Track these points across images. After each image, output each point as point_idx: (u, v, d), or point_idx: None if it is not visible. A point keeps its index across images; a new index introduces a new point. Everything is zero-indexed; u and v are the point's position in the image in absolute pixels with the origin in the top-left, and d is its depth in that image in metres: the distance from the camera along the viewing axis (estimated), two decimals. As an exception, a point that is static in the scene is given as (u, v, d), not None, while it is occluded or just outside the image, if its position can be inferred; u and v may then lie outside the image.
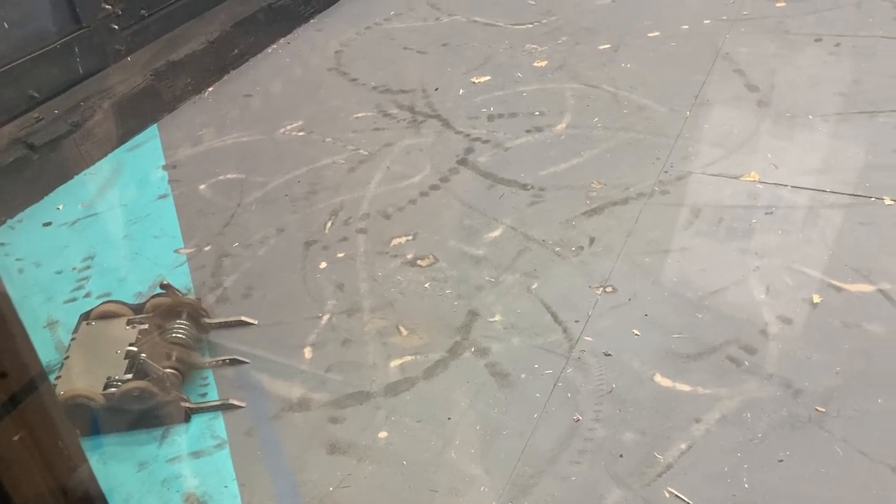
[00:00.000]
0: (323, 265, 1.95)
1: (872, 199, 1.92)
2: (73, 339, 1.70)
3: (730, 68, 2.56)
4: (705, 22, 2.87)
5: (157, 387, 1.56)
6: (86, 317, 1.75)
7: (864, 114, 2.24)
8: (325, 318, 1.79)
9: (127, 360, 1.62)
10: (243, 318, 1.80)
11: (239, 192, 2.26)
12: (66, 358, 1.66)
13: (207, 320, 1.78)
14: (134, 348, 1.60)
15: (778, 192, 1.98)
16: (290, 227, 2.09)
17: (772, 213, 1.91)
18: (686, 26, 2.86)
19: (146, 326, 1.70)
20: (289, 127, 2.56)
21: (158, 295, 1.75)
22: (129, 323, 1.72)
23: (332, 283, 1.89)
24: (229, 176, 2.34)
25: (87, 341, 1.69)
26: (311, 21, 3.30)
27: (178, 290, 1.76)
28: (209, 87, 2.85)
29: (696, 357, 1.58)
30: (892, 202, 1.90)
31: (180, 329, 1.68)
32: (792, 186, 2.00)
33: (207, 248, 2.05)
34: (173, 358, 1.63)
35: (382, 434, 1.51)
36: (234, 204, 2.21)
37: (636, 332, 1.65)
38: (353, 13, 3.34)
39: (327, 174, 2.30)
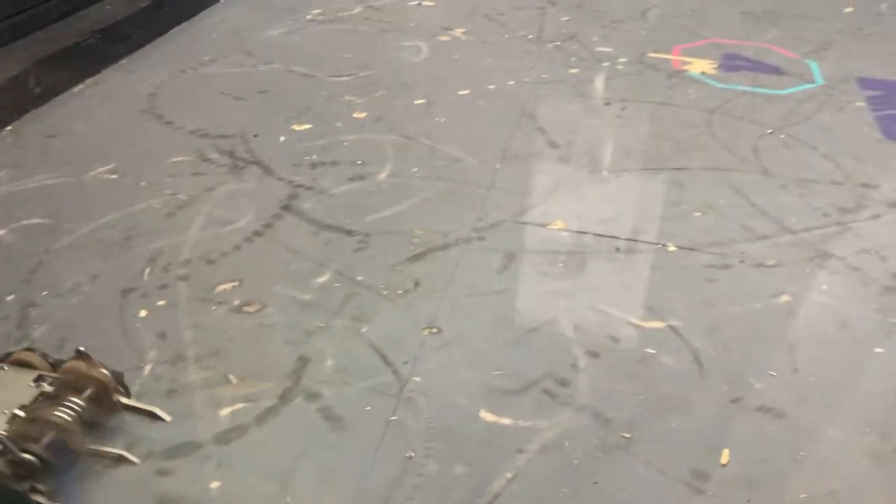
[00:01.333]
0: (143, 314, 1.88)
1: (659, 245, 2.17)
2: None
3: (533, 126, 2.79)
4: (510, 83, 3.11)
5: (8, 469, 1.39)
6: (2, 358, 1.56)
7: (649, 170, 2.53)
8: (148, 368, 1.73)
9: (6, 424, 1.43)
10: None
11: (46, 238, 2.13)
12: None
13: (122, 399, 1.59)
14: (19, 412, 1.42)
15: (581, 240, 2.19)
16: (104, 275, 2.00)
17: (576, 257, 2.10)
18: (493, 86, 3.08)
19: (51, 389, 1.51)
20: (100, 170, 2.45)
21: (77, 357, 1.56)
22: (36, 380, 1.52)
23: (153, 332, 1.83)
24: (34, 221, 2.20)
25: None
26: (122, 62, 3.19)
27: (94, 361, 1.56)
28: (7, 126, 2.66)
29: (516, 392, 1.70)
30: (675, 248, 2.16)
31: (69, 407, 1.48)
32: (593, 234, 2.21)
33: (10, 298, 1.91)
34: (43, 442, 1.43)
35: (214, 484, 1.48)
36: (41, 250, 2.08)
37: (461, 370, 1.74)
38: (167, 56, 3.27)
39: (144, 219, 2.23)
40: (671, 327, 1.88)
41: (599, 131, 2.77)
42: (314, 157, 2.55)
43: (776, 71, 3.30)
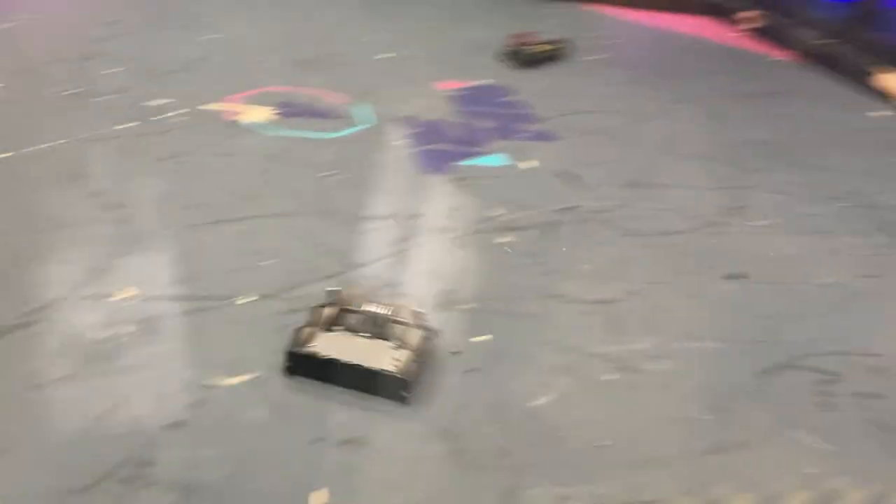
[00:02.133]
0: None
1: (227, 300, 2.17)
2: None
3: (86, 189, 2.61)
4: (58, 142, 2.87)
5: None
6: None
7: (209, 224, 2.53)
8: None
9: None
10: None
11: None
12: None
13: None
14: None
15: (152, 306, 2.10)
16: None
17: (149, 324, 2.01)
18: (35, 147, 2.81)
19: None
20: None
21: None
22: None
23: None
24: None
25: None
26: None
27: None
28: None
29: (87, 489, 1.56)
30: (243, 301, 2.18)
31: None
32: (162, 298, 2.13)
33: None
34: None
35: None
36: None
37: (20, 480, 1.55)
38: None
39: None
40: (254, 380, 1.90)
41: (157, 189, 2.69)
42: None
43: (328, 115, 3.54)
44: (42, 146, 2.83)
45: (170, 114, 3.28)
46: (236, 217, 2.58)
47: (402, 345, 1.96)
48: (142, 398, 1.79)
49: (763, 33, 6.70)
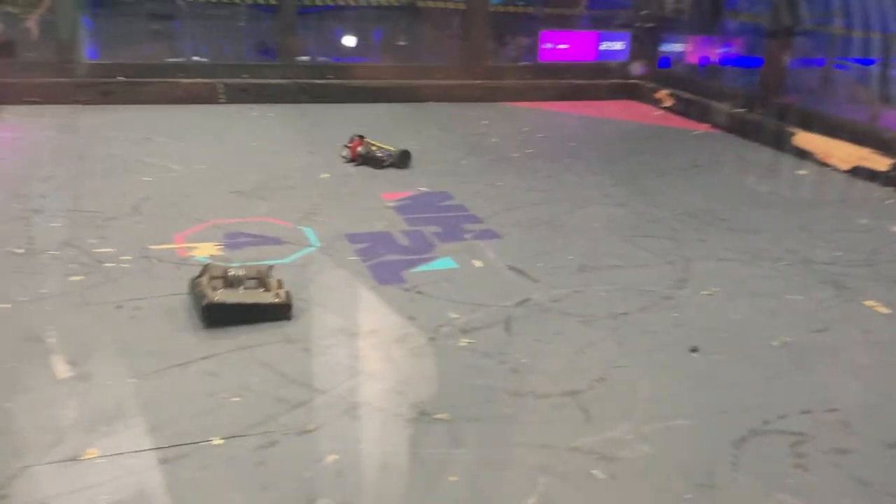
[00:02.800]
0: None
1: (204, 442, 2.15)
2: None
3: (42, 348, 2.58)
4: (4, 307, 2.83)
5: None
6: None
7: (177, 366, 2.51)
8: None
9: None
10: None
11: None
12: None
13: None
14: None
15: (120, 462, 2.05)
16: None
17: (124, 482, 1.97)
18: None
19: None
20: None
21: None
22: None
23: None
24: None
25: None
26: None
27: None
28: None
29: None
30: (221, 440, 2.16)
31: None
32: (131, 452, 2.09)
33: None
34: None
35: None
36: None
37: None
38: None
39: None
40: (235, 525, 1.86)
41: (116, 337, 2.67)
42: None
43: (277, 241, 3.59)
44: (-9, 309, 2.80)
45: (123, 258, 3.29)
46: (199, 356, 2.57)
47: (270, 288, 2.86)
48: (123, 562, 1.74)
49: (681, 109, 7.08)
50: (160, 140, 5.25)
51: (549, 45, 7.42)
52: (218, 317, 2.73)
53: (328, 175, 4.66)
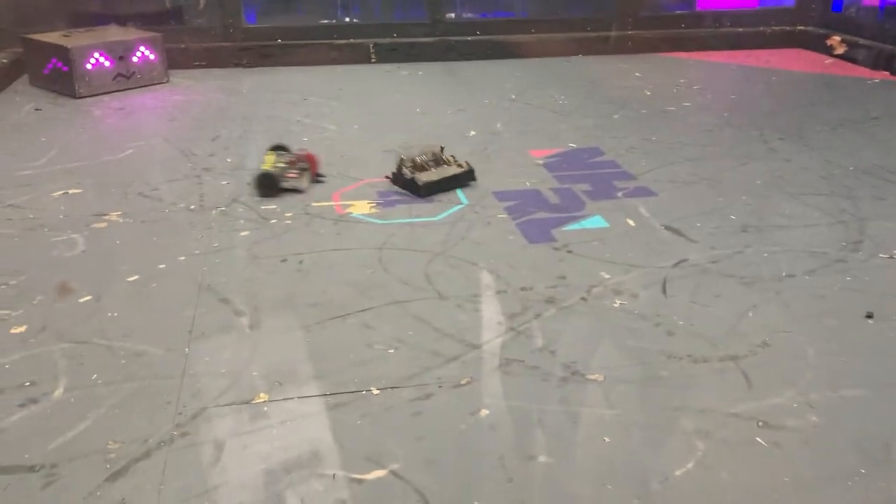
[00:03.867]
0: None
1: (364, 392, 2.23)
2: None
3: (215, 298, 2.76)
4: (181, 259, 3.05)
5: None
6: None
7: (337, 318, 2.62)
8: None
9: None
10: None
11: None
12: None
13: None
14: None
15: (287, 407, 2.18)
16: None
17: (287, 427, 2.09)
18: (163, 265, 3.00)
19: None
20: None
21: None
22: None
23: None
24: None
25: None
26: None
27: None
28: None
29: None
30: (378, 391, 2.24)
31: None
32: (298, 398, 2.21)
33: None
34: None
35: None
36: None
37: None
38: None
39: None
40: (392, 472, 1.93)
41: (282, 289, 2.82)
42: (-30, 391, 2.26)
43: (426, 200, 3.64)
44: (166, 264, 3.01)
45: (286, 215, 3.45)
46: (358, 308, 2.67)
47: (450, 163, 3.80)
48: (292, 496, 1.85)
49: (856, 57, 6.53)
50: (316, 101, 5.43)
51: (707, -8, 7.03)
52: (427, 190, 3.66)
53: (475, 132, 4.66)
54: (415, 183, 3.67)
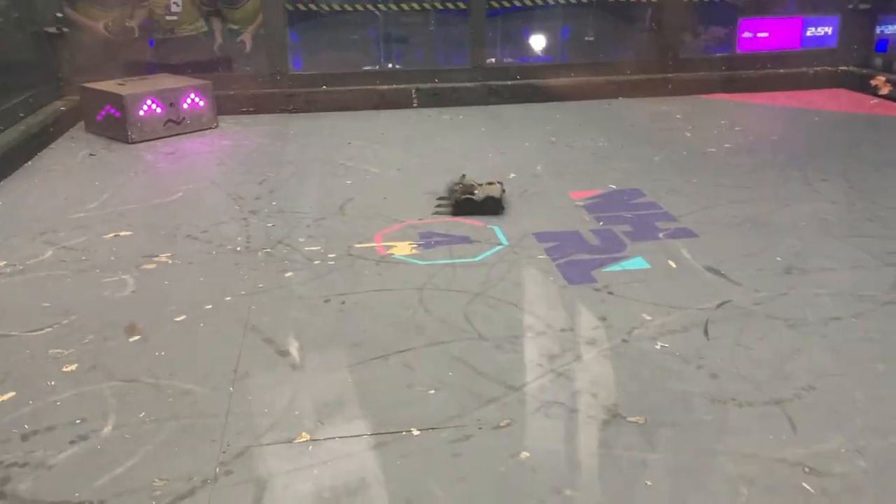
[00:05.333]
0: None
1: (404, 432, 2.25)
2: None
3: (259, 338, 2.81)
4: (227, 299, 3.12)
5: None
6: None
7: (379, 358, 2.65)
8: None
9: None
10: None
11: None
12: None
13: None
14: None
15: (329, 446, 2.20)
16: None
17: (328, 467, 2.10)
18: (210, 306, 3.06)
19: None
20: None
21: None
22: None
23: None
24: None
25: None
26: None
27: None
28: None
29: None
30: (419, 431, 2.25)
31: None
32: (339, 437, 2.23)
33: None
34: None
35: None
36: None
37: None
38: None
39: None
40: (433, 513, 1.93)
41: (325, 329, 2.86)
42: (25, 427, 2.32)
43: (467, 240, 3.68)
44: (213, 304, 3.08)
45: (329, 256, 3.51)
46: (399, 349, 2.69)
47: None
48: (332, 539, 1.86)
49: (899, 97, 6.44)
50: (359, 144, 5.54)
51: (748, 34, 7.04)
52: (466, 209, 4.01)
53: (515, 175, 4.70)
54: (472, 201, 4.02)
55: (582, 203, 4.18)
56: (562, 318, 2.91)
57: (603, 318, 2.89)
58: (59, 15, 6.31)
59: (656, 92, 6.88)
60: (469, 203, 4.01)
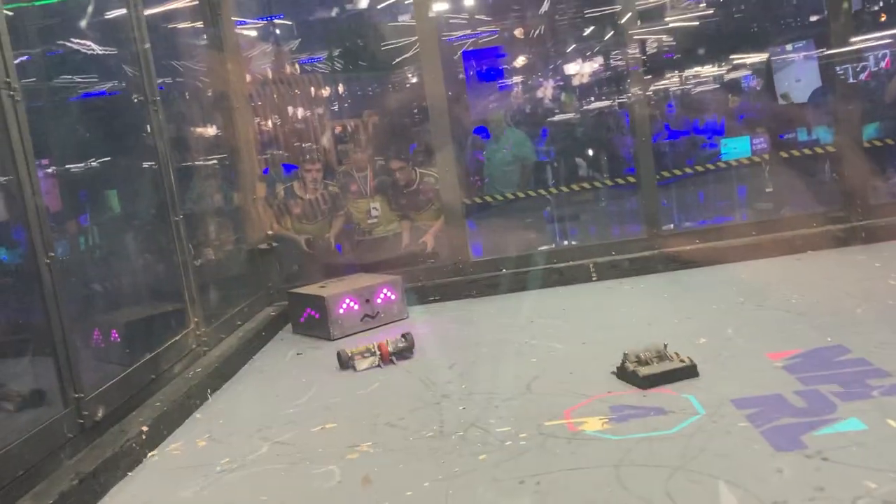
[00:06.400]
0: None
1: None
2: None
3: (458, 523, 2.83)
4: (425, 485, 3.20)
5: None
6: None
7: (579, 541, 2.57)
8: None
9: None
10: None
11: None
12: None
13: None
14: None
15: None
16: None
17: None
18: (410, 492, 3.16)
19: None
20: None
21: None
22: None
23: None
24: None
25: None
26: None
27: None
28: None
29: None
30: None
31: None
32: None
33: None
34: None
35: None
36: None
37: None
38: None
39: None
40: None
41: (521, 513, 2.84)
42: None
43: (661, 411, 3.58)
44: (413, 492, 3.16)
45: (520, 436, 3.54)
46: (597, 532, 2.62)
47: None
48: None
49: None
50: (542, 322, 5.65)
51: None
52: (649, 383, 3.89)
53: (705, 339, 4.57)
54: (636, 375, 3.93)
55: (781, 364, 3.97)
56: (773, 490, 2.71)
57: (820, 489, 2.66)
58: (270, 233, 7.16)
59: (847, 242, 6.55)
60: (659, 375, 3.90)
